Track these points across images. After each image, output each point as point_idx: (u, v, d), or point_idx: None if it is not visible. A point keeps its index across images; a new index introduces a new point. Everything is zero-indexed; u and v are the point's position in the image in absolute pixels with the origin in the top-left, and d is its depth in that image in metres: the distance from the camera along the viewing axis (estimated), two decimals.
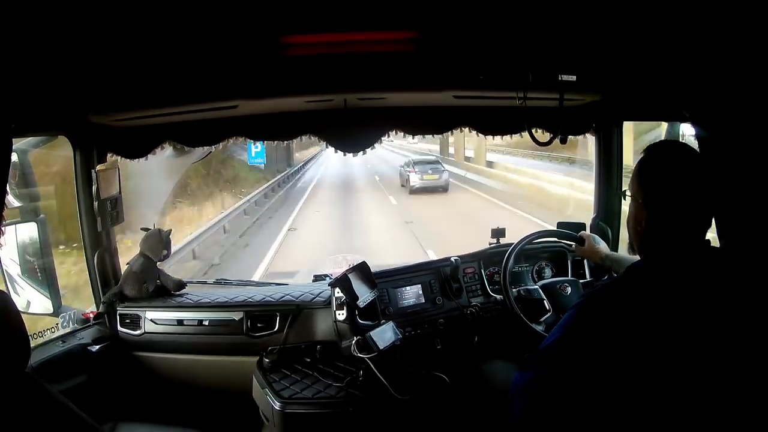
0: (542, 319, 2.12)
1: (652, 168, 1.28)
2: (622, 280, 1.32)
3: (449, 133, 2.47)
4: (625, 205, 1.41)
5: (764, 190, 1.43)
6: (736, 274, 1.23)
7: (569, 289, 2.19)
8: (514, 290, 2.20)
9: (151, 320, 2.32)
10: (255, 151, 15.85)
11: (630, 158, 2.95)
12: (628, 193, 1.35)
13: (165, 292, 2.45)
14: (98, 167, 2.29)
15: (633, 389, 1.18)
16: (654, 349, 1.16)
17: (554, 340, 1.28)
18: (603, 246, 2.15)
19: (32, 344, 1.44)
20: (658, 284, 1.22)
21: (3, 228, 2.02)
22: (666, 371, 1.16)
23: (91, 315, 2.38)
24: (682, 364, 1.15)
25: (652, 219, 1.27)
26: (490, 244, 2.55)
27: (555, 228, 2.40)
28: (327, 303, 2.22)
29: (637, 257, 1.37)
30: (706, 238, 1.28)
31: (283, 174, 20.91)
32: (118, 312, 2.36)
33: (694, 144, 1.64)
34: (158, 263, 2.44)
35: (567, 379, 1.24)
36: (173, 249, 2.51)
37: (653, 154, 1.31)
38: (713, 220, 1.32)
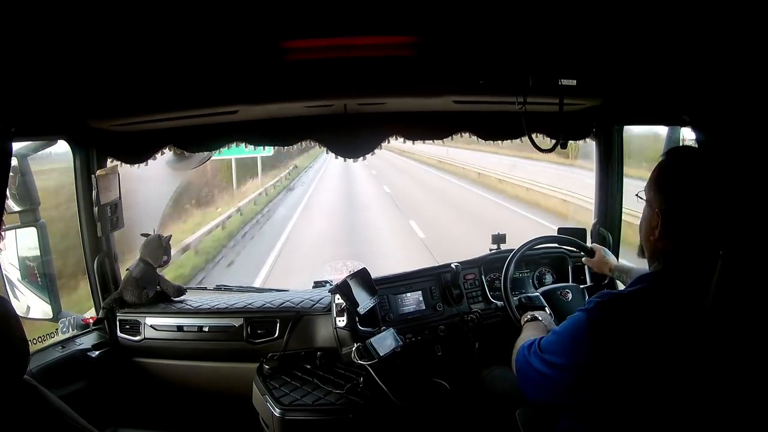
0: None
1: (674, 176, 1.24)
2: (632, 292, 1.28)
3: (449, 138, 2.47)
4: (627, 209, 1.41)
5: (765, 195, 1.42)
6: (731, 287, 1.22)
7: (570, 295, 2.18)
8: (514, 297, 2.19)
9: (150, 326, 2.32)
10: None
11: None
12: (642, 196, 1.31)
13: (165, 298, 2.45)
14: (98, 172, 2.29)
15: (640, 400, 1.16)
16: (663, 363, 1.15)
17: (560, 345, 1.29)
18: (612, 258, 2.15)
19: (32, 349, 1.44)
20: (669, 298, 1.19)
21: (3, 232, 2.02)
22: (674, 385, 1.14)
23: (91, 320, 2.38)
24: (691, 378, 1.14)
25: (668, 229, 1.23)
26: (490, 250, 2.55)
27: (556, 234, 2.40)
28: (327, 309, 2.21)
29: (644, 264, 1.36)
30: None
31: None
32: (117, 318, 2.36)
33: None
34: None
35: (575, 387, 1.24)
36: None
37: (675, 160, 1.27)
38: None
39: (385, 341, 1.94)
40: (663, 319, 1.16)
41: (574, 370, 1.23)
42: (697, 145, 1.38)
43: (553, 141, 1.98)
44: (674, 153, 1.29)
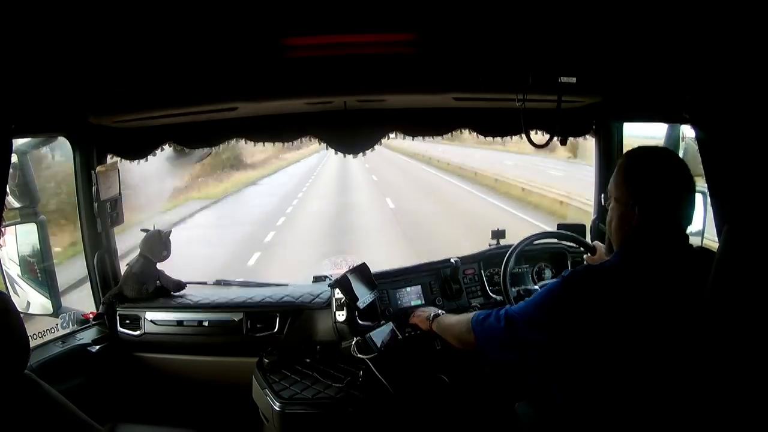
0: None
1: (640, 170, 1.36)
2: (605, 265, 1.40)
3: (449, 134, 2.47)
4: None
5: (764, 192, 1.43)
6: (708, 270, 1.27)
7: None
8: (513, 291, 2.20)
9: (150, 321, 2.32)
10: None
11: None
12: (611, 198, 1.42)
13: (165, 292, 2.46)
14: (98, 168, 2.29)
15: (601, 371, 1.28)
16: (627, 330, 1.25)
17: (535, 307, 1.39)
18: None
19: (32, 344, 1.44)
20: (635, 268, 1.30)
21: (3, 229, 2.03)
22: (638, 355, 1.24)
23: (91, 315, 2.38)
24: (654, 349, 1.24)
25: (643, 218, 1.33)
26: (489, 245, 2.55)
27: (555, 229, 2.41)
28: (327, 304, 2.22)
29: None
30: (705, 240, 1.31)
31: None
32: (117, 312, 2.37)
33: (694, 146, 1.64)
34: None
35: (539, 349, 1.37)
36: None
37: (637, 158, 1.39)
38: (706, 220, 1.38)
39: (384, 335, 1.94)
40: (629, 287, 1.28)
41: (545, 328, 1.34)
42: (647, 146, 1.48)
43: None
44: (632, 154, 1.42)
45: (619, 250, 1.39)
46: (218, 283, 2.73)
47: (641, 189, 1.33)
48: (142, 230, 2.43)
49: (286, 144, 2.43)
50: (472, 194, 14.79)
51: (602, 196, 1.49)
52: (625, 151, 2.43)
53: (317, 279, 2.61)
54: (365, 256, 2.48)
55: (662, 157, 1.38)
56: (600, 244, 2.20)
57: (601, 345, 1.26)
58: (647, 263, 1.30)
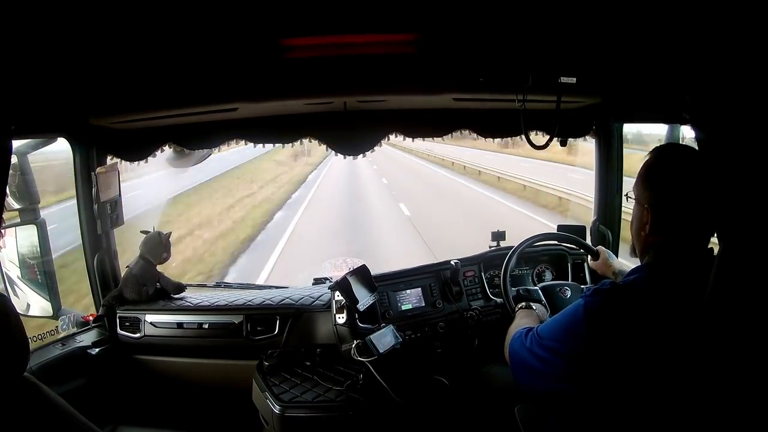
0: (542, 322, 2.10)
1: (661, 171, 1.28)
2: (627, 282, 1.31)
3: (449, 135, 2.47)
4: (627, 207, 1.41)
5: (764, 193, 1.42)
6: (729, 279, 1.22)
7: (569, 293, 2.17)
8: (513, 291, 2.19)
9: (150, 323, 2.32)
10: None
11: None
12: (631, 195, 1.35)
13: (165, 295, 2.45)
14: (98, 169, 2.29)
15: (630, 390, 1.18)
16: (654, 353, 1.16)
17: (557, 331, 1.31)
18: (616, 261, 2.15)
19: (32, 347, 1.44)
20: (660, 287, 1.22)
21: (3, 230, 2.02)
22: (665, 376, 1.16)
23: (91, 318, 2.38)
24: (682, 370, 1.15)
25: (657, 223, 1.26)
26: (490, 247, 2.55)
27: (556, 231, 2.40)
28: (327, 306, 2.22)
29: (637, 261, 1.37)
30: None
31: None
32: (117, 315, 2.36)
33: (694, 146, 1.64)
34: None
35: (567, 375, 1.26)
36: None
37: (661, 156, 1.31)
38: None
39: (384, 338, 1.94)
40: (655, 308, 1.19)
41: (568, 357, 1.26)
42: (682, 143, 1.40)
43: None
44: (660, 151, 1.32)
45: (644, 264, 1.32)
46: (218, 285, 2.74)
47: (658, 191, 1.27)
48: (142, 232, 2.43)
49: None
50: None
51: (626, 195, 1.41)
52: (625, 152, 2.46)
53: (317, 281, 2.61)
54: None
55: (686, 157, 1.28)
56: (603, 249, 2.19)
57: (627, 373, 1.18)
58: (672, 278, 1.22)
